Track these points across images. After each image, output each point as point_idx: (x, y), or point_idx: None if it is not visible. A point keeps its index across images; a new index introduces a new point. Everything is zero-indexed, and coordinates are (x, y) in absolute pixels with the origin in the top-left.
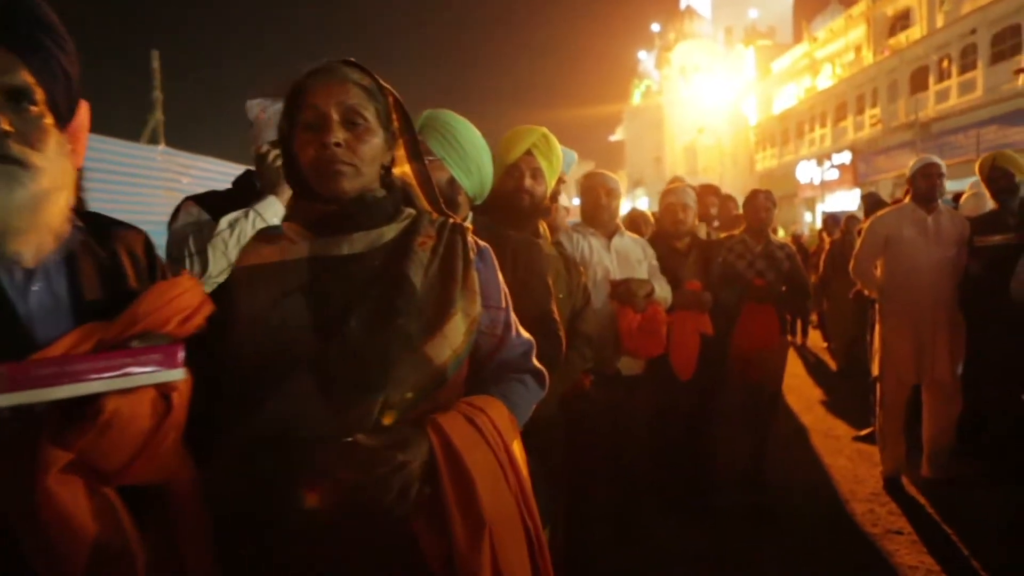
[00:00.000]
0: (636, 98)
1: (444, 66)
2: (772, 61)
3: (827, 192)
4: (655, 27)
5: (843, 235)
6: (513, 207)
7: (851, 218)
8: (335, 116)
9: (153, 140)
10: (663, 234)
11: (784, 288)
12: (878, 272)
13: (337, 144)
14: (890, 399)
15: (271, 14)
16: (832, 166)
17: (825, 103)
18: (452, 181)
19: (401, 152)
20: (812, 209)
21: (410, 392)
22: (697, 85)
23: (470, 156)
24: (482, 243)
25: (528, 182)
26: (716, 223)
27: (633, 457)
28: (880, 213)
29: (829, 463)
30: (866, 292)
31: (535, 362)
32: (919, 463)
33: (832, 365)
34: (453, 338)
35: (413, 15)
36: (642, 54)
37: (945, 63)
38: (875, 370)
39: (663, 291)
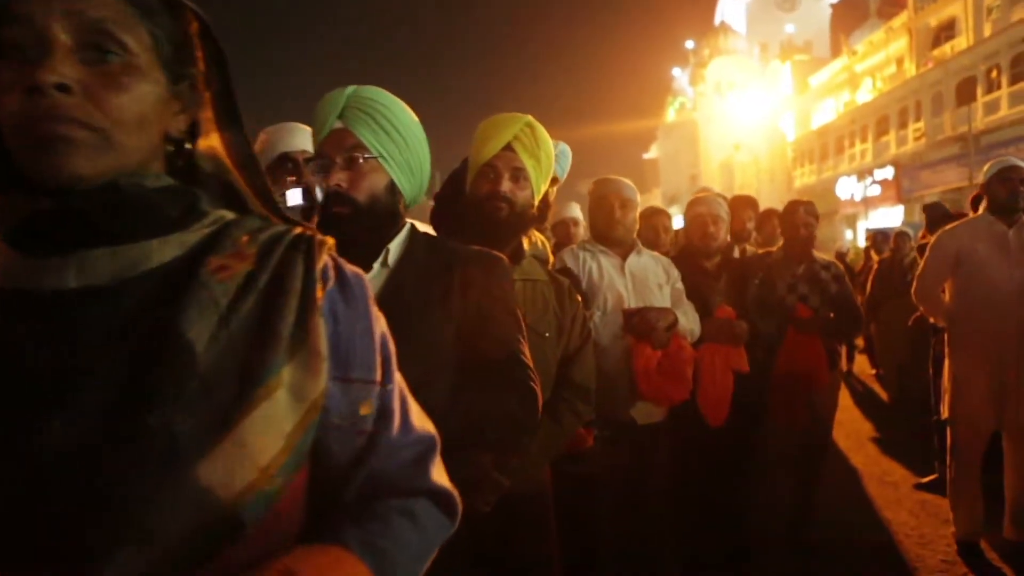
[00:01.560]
0: (670, 115)
1: (476, 83)
2: (809, 76)
3: (869, 208)
4: (689, 44)
5: (893, 253)
6: (487, 218)
7: (901, 234)
8: (62, 37)
9: None
10: (690, 252)
11: (831, 314)
12: (946, 296)
13: (62, 87)
14: (963, 448)
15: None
16: (874, 182)
17: (866, 117)
18: (392, 187)
19: (211, 116)
20: (853, 227)
21: (174, 551)
22: (732, 101)
23: (412, 150)
24: (351, 270)
25: (507, 185)
26: (753, 241)
27: (654, 525)
28: (949, 227)
29: (888, 518)
30: (931, 319)
31: (437, 475)
32: (1000, 522)
33: (883, 395)
34: (264, 443)
35: (446, 31)
36: (676, 71)
37: (994, 73)
38: (944, 411)
39: (689, 322)
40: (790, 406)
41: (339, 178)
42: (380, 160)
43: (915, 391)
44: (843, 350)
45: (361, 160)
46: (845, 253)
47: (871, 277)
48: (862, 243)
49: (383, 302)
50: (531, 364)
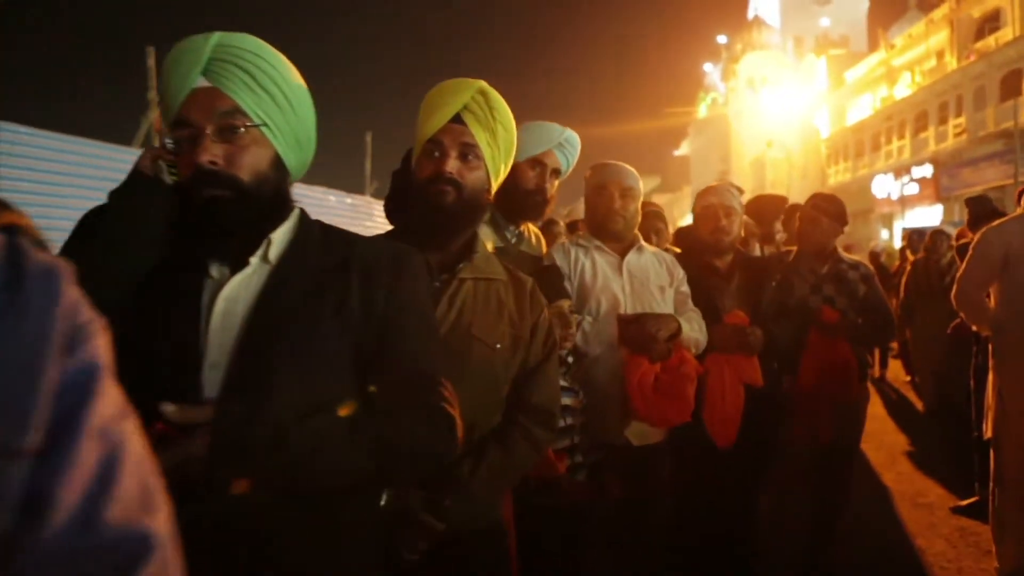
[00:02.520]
0: (702, 111)
1: (507, 78)
2: (845, 71)
3: (906, 208)
4: (721, 38)
5: (928, 253)
6: (431, 204)
7: (938, 232)
8: None
9: (148, 143)
10: (698, 249)
11: (860, 320)
12: (991, 302)
13: None
14: (1011, 474)
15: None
16: (911, 180)
17: (904, 113)
18: (278, 163)
19: None
20: (889, 226)
21: None
22: (765, 97)
23: (299, 117)
24: (44, 263)
25: (453, 165)
26: (779, 242)
27: (654, 560)
28: (997, 223)
29: (922, 547)
30: (974, 328)
31: None
32: None
33: (918, 404)
34: None
35: (476, 26)
36: (708, 66)
37: None
38: (988, 431)
39: (694, 330)
40: (813, 419)
41: (212, 153)
42: (264, 130)
43: (953, 401)
44: (876, 355)
45: (242, 130)
46: (879, 253)
47: (905, 279)
48: (898, 244)
49: (261, 307)
50: (448, 384)
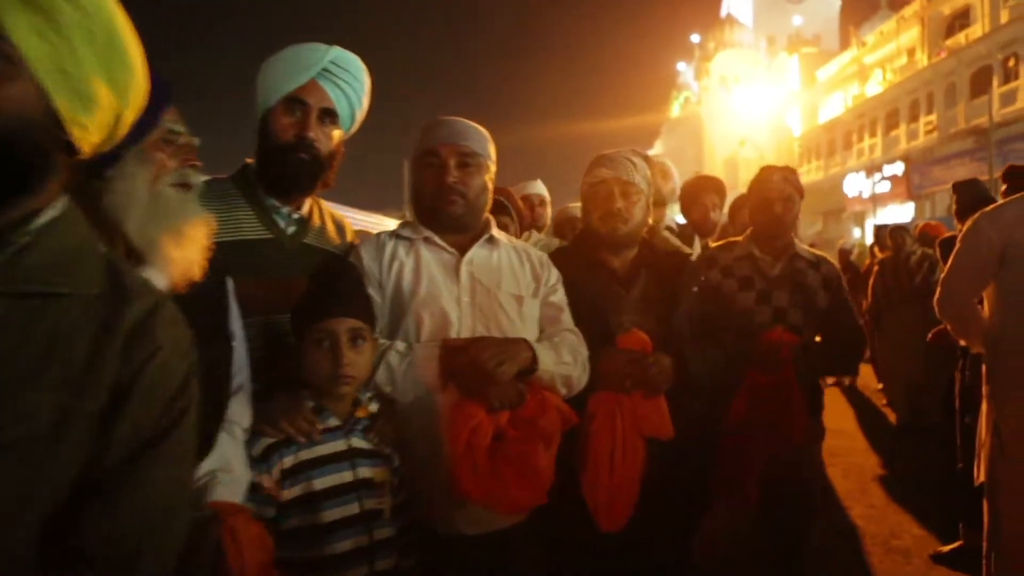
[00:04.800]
0: (675, 110)
1: (479, 78)
2: (817, 69)
3: (878, 206)
4: (695, 37)
5: (895, 251)
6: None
7: (897, 229)
8: None
9: None
10: (584, 241)
11: (818, 337)
12: (984, 309)
13: None
14: (1011, 531)
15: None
16: (883, 178)
17: (875, 111)
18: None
19: None
20: (861, 224)
21: None
22: (738, 96)
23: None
24: None
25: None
26: (721, 235)
27: None
28: (990, 209)
29: None
30: (962, 341)
31: None
32: None
33: (891, 416)
34: None
35: (449, 27)
36: (681, 65)
37: (1012, 62)
38: (980, 474)
39: (564, 361)
40: (741, 481)
41: None
42: None
43: (929, 418)
44: None
45: None
46: (849, 251)
47: (872, 280)
48: (871, 241)
49: None
50: None
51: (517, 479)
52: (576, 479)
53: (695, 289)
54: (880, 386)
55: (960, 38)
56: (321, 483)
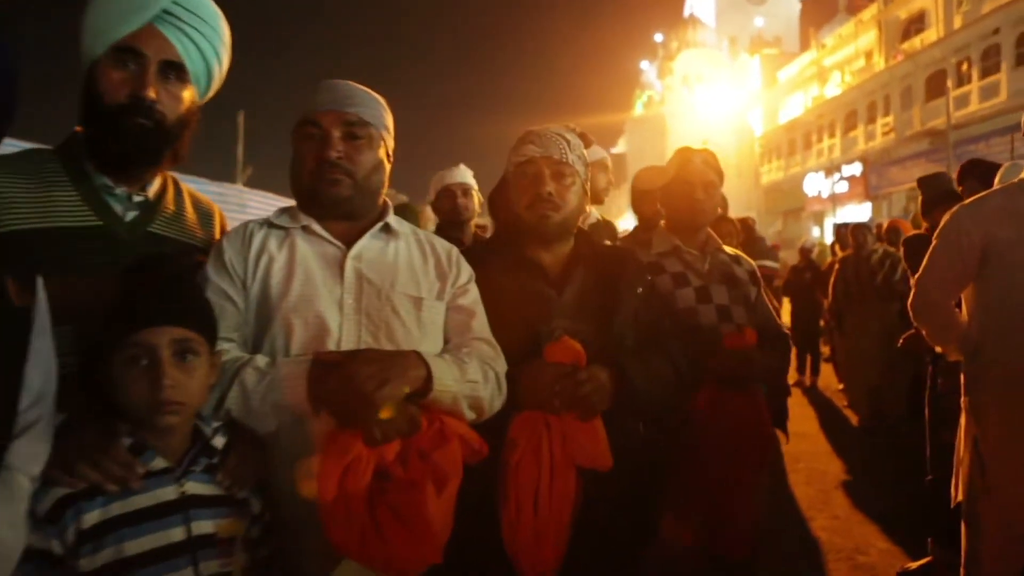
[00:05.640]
0: (638, 109)
1: (443, 76)
2: (778, 70)
3: (837, 205)
4: (658, 37)
5: (856, 250)
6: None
7: (859, 227)
8: None
9: None
10: (507, 231)
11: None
12: (963, 312)
13: None
14: (990, 556)
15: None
16: (842, 178)
17: (834, 112)
18: None
19: None
20: (820, 224)
21: None
22: (700, 95)
23: None
24: None
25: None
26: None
27: None
28: (970, 201)
29: None
30: (937, 348)
31: None
32: None
33: (853, 418)
34: None
35: (413, 24)
36: (644, 64)
37: (964, 66)
38: (958, 494)
39: (471, 378)
40: (701, 519)
41: None
42: None
43: (891, 421)
44: (808, 361)
45: None
46: (810, 249)
47: (833, 279)
48: (830, 241)
49: None
50: None
51: (402, 531)
52: (496, 519)
53: (640, 290)
54: (841, 386)
55: (916, 42)
56: (136, 546)
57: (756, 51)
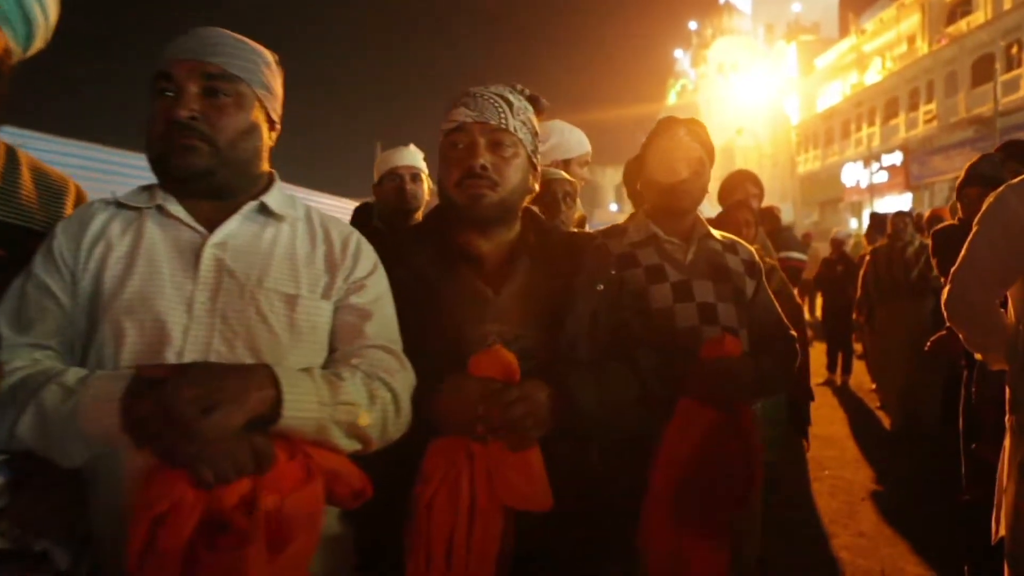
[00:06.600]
0: (672, 98)
1: (475, 67)
2: (816, 57)
3: (875, 196)
4: (692, 25)
5: (891, 240)
6: None
7: (900, 215)
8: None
9: None
10: (441, 216)
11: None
12: (1010, 313)
13: None
14: None
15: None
16: (881, 168)
17: (874, 99)
18: None
19: None
20: (858, 215)
21: None
22: (735, 83)
23: None
24: None
25: None
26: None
27: None
28: (1017, 182)
29: None
30: (977, 355)
31: None
32: None
33: (885, 421)
34: None
35: (442, 12)
36: (678, 53)
37: (1015, 49)
38: (1000, 528)
39: (345, 397)
40: (663, 569)
41: None
42: None
43: (926, 424)
44: (839, 358)
45: None
46: (843, 241)
47: (863, 271)
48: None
49: None
50: None
51: None
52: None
53: (601, 287)
54: (873, 386)
55: (962, 25)
56: None
57: (793, 38)
